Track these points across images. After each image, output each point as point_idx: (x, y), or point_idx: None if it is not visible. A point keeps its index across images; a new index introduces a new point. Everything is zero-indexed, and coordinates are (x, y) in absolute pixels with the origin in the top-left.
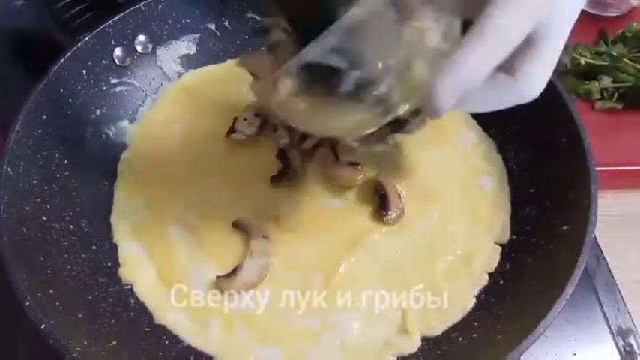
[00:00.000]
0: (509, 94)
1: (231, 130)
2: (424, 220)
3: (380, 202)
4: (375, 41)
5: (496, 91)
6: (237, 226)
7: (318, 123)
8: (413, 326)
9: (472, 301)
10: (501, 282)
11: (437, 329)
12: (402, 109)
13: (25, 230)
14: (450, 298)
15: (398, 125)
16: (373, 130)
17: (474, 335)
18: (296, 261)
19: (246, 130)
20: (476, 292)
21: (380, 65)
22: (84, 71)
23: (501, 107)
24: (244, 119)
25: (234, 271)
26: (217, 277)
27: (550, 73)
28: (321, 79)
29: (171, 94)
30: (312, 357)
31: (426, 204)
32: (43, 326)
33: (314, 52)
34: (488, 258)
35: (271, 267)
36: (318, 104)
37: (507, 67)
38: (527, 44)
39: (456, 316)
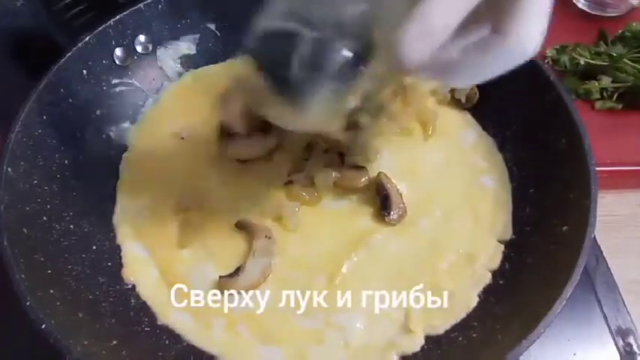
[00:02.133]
0: (500, 56)
1: (223, 132)
2: (426, 220)
3: (381, 203)
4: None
5: (485, 55)
6: (239, 226)
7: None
8: (416, 325)
9: (475, 300)
10: (501, 282)
11: (440, 328)
12: (364, 81)
13: (25, 230)
14: (453, 296)
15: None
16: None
17: (474, 335)
18: (298, 261)
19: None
20: (479, 290)
21: (334, 21)
22: (84, 71)
23: (493, 75)
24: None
25: (237, 272)
26: (220, 277)
27: (544, 25)
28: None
29: (171, 94)
30: (316, 357)
31: (428, 203)
32: (43, 326)
33: (266, 19)
34: (491, 256)
35: (274, 267)
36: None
37: (494, 24)
38: None
39: (459, 315)
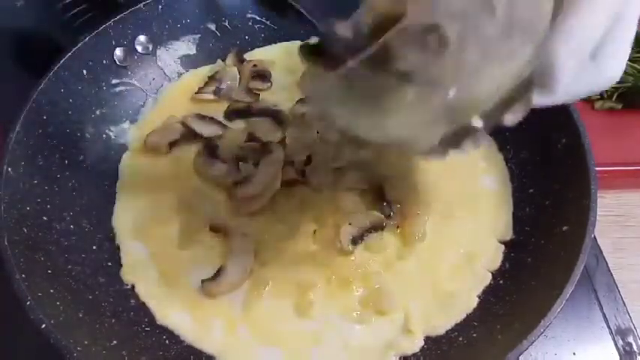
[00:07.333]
0: (591, 80)
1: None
2: (427, 221)
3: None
4: None
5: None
6: (213, 229)
7: (373, 123)
8: (416, 326)
9: (475, 301)
10: (501, 282)
11: (440, 329)
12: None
13: (25, 230)
14: (453, 297)
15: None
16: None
17: (474, 335)
18: (299, 262)
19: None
20: (479, 291)
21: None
22: (84, 71)
23: (581, 96)
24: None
25: (218, 273)
26: (202, 281)
27: (629, 51)
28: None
29: (171, 94)
30: (315, 357)
31: (428, 204)
32: (43, 326)
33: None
34: (491, 256)
35: (274, 268)
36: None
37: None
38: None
39: (460, 316)
